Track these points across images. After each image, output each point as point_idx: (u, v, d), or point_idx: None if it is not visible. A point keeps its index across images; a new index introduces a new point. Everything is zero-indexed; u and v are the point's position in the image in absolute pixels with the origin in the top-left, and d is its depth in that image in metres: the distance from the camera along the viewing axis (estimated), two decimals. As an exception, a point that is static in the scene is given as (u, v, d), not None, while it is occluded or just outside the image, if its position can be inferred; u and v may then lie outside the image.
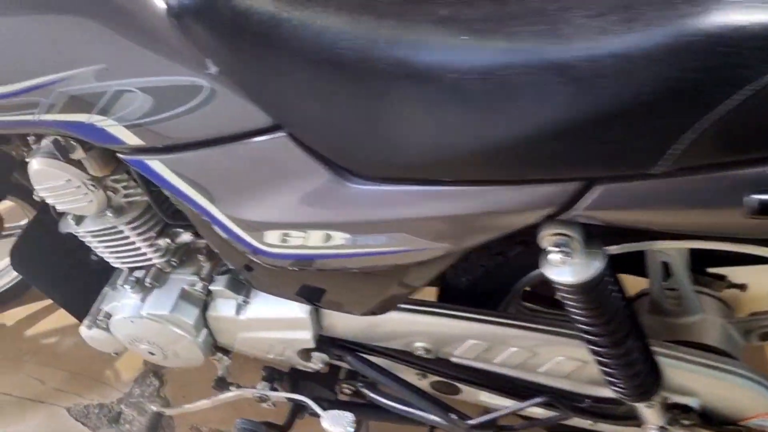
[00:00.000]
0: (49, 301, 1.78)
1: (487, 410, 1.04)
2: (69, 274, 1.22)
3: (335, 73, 0.62)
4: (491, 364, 0.99)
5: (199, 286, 1.03)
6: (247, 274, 0.90)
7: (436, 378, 1.05)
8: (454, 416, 0.99)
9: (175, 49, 0.67)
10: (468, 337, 0.95)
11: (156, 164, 0.76)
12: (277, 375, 1.15)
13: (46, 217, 1.18)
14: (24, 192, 1.20)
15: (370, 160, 0.66)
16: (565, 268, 0.68)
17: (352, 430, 0.98)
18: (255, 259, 0.82)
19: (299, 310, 0.98)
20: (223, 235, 0.80)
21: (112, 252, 1.06)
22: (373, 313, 0.87)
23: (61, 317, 1.74)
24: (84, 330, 1.13)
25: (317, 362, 1.06)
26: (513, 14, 0.57)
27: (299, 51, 0.62)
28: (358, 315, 0.88)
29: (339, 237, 0.73)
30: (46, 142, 0.94)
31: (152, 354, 1.10)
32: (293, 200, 0.72)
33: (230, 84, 0.68)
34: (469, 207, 0.65)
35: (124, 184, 0.96)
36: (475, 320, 0.93)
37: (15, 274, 1.72)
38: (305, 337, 1.00)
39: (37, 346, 1.69)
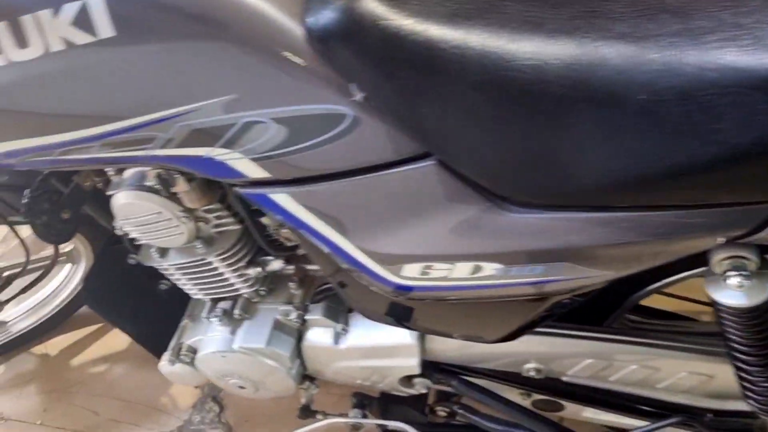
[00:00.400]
0: (91, 328, 1.72)
1: (594, 427, 1.01)
2: (139, 306, 1.16)
3: (501, 97, 0.58)
4: (606, 382, 0.95)
5: (294, 315, 0.98)
6: (368, 306, 0.85)
7: (541, 396, 1.02)
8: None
9: (315, 76, 0.62)
10: (586, 357, 0.91)
11: (281, 197, 0.71)
12: (367, 401, 1.11)
13: (111, 249, 1.13)
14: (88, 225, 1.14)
15: (534, 187, 0.62)
16: (740, 291, 0.65)
17: (464, 456, 0.94)
18: (379, 291, 0.77)
19: (406, 336, 0.94)
20: (349, 267, 0.76)
21: (196, 284, 1.01)
22: (506, 339, 0.83)
23: (107, 344, 1.68)
24: (165, 366, 1.07)
25: (420, 388, 1.02)
26: (705, 28, 0.53)
27: (459, 74, 0.58)
28: (489, 342, 0.84)
29: (490, 268, 0.68)
30: (130, 173, 0.89)
31: (242, 388, 1.05)
32: (441, 231, 0.67)
33: (376, 111, 0.63)
34: (644, 233, 0.61)
35: (217, 214, 0.90)
36: (594, 339, 0.90)
37: (46, 310, 1.65)
38: (411, 363, 0.96)
39: (86, 376, 1.63)
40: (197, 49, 0.62)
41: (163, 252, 0.97)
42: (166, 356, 1.07)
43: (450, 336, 0.87)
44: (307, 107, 0.64)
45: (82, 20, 0.61)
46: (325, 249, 0.75)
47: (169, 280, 1.04)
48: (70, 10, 0.61)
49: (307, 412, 1.14)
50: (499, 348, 0.93)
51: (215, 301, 1.04)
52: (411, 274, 0.72)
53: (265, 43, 0.62)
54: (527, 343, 0.91)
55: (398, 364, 0.97)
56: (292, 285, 1.00)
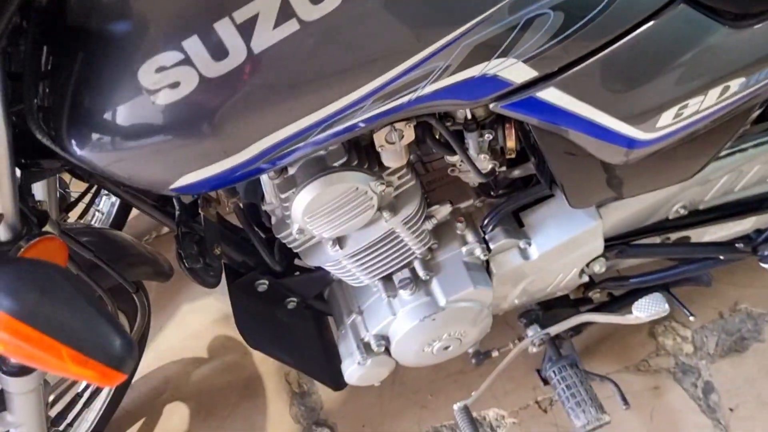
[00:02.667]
0: None
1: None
2: (283, 332, 1.05)
3: None
4: (731, 194, 1.09)
5: (479, 251, 0.97)
6: (591, 190, 0.88)
7: (676, 235, 1.13)
8: (740, 245, 1.08)
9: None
10: (723, 175, 1.04)
11: (547, 93, 0.72)
12: (533, 315, 1.13)
13: (239, 283, 1.01)
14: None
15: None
16: None
17: (667, 305, 1.02)
18: (630, 157, 0.81)
19: (588, 221, 0.98)
20: (598, 141, 0.78)
21: (370, 265, 0.95)
22: (698, 173, 0.92)
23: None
24: (356, 370, 1.00)
25: (600, 268, 1.07)
26: None
27: None
28: (687, 180, 0.91)
29: (736, 84, 0.76)
30: (296, 170, 0.82)
31: (446, 348, 1.02)
32: (695, 67, 0.74)
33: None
34: None
35: (401, 173, 0.87)
36: (731, 154, 1.02)
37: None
38: (597, 244, 1.01)
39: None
40: None
41: (340, 242, 0.90)
42: (355, 359, 0.99)
43: (657, 188, 0.93)
44: (582, -17, 0.65)
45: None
46: (580, 134, 0.77)
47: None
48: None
49: (481, 356, 1.14)
50: (658, 198, 1.02)
51: (386, 279, 0.98)
52: (665, 122, 0.78)
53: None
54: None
55: (586, 251, 1.01)
56: (459, 226, 0.99)
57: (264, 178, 0.86)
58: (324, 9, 0.57)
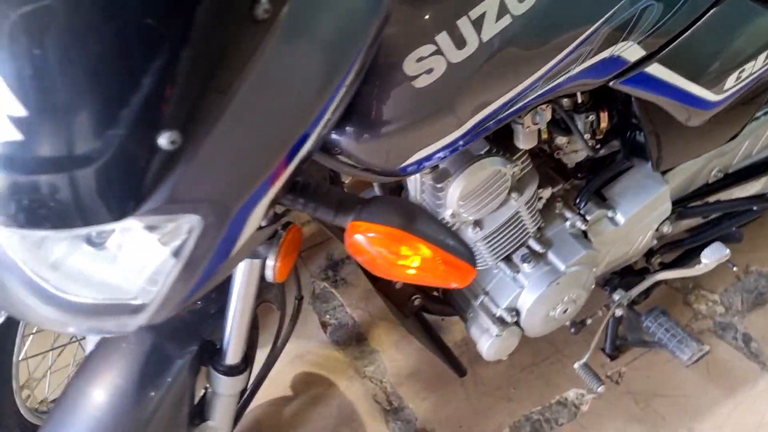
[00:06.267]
0: None
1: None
2: (417, 327, 1.18)
3: None
4: (751, 157, 1.34)
5: (579, 222, 1.15)
6: (679, 149, 1.09)
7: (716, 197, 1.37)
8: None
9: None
10: (745, 139, 1.28)
11: (653, 68, 0.93)
12: (615, 280, 1.32)
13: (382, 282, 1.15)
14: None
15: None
16: None
17: (727, 250, 1.23)
18: (703, 118, 1.03)
19: (658, 187, 1.19)
20: (683, 106, 1.00)
21: (496, 246, 1.11)
22: (735, 137, 1.15)
23: None
24: (494, 343, 1.14)
25: (668, 229, 1.27)
26: None
27: None
28: (731, 140, 1.14)
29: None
30: (448, 161, 0.98)
31: (565, 311, 1.17)
32: (750, 38, 0.98)
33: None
34: None
35: (524, 157, 1.05)
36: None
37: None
38: (666, 206, 1.22)
39: None
40: None
41: (479, 224, 1.06)
42: (493, 333, 1.13)
43: (713, 149, 1.16)
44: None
45: None
46: (672, 101, 0.99)
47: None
48: None
49: (578, 324, 1.30)
50: (700, 164, 1.25)
51: (506, 259, 1.14)
52: (730, 84, 1.01)
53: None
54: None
55: (658, 213, 1.22)
56: (558, 205, 1.17)
57: (414, 177, 1.01)
58: (527, 5, 0.76)
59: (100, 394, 0.85)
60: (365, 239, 0.59)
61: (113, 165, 0.46)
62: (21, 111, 0.43)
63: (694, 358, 1.19)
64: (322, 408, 1.61)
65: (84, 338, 1.41)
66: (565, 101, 1.03)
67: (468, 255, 0.60)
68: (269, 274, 0.78)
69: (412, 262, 0.58)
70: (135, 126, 0.45)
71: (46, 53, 0.43)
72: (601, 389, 1.20)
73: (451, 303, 1.24)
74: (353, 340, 1.72)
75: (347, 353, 1.69)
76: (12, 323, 1.12)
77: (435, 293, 1.25)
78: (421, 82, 0.73)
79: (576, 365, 1.23)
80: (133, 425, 0.83)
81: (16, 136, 0.44)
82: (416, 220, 0.59)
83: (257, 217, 0.58)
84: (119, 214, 0.48)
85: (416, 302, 1.20)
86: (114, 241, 0.55)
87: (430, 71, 0.73)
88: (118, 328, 0.57)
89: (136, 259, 0.54)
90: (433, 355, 1.39)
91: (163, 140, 0.46)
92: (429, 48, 0.72)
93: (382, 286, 1.14)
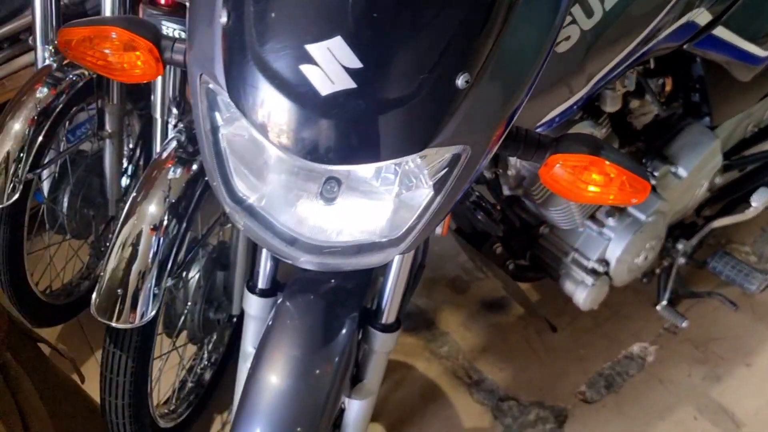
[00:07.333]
0: None
1: None
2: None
3: None
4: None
5: (650, 179, 1.30)
6: (732, 101, 1.25)
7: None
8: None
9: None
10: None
11: (719, 30, 1.09)
12: (675, 234, 1.47)
13: (487, 246, 1.27)
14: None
15: None
16: None
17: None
18: (753, 74, 1.19)
19: (712, 141, 1.34)
20: (740, 63, 1.16)
21: (585, 206, 1.24)
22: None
23: None
24: (589, 291, 1.27)
25: (720, 180, 1.42)
26: None
27: None
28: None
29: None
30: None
31: (645, 258, 1.31)
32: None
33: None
34: None
35: (604, 120, 1.19)
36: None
37: None
38: (718, 159, 1.37)
39: None
40: None
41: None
42: (588, 283, 1.26)
43: (756, 102, 1.32)
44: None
45: None
46: (731, 60, 1.14)
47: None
48: None
49: (650, 275, 1.44)
50: (740, 118, 1.42)
51: (591, 217, 1.28)
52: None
53: None
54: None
55: (712, 165, 1.37)
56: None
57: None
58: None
59: (285, 372, 0.89)
60: (562, 168, 0.72)
61: (423, 104, 0.57)
62: (357, 63, 0.55)
63: (761, 287, 1.34)
64: (407, 389, 1.70)
65: (185, 345, 1.47)
66: (638, 68, 1.18)
67: (643, 173, 0.73)
68: (438, 229, 0.90)
69: (602, 182, 0.71)
70: (443, 69, 0.57)
71: (381, 16, 0.54)
72: (685, 324, 1.34)
73: (538, 267, 1.37)
74: (422, 326, 1.83)
75: (420, 337, 1.79)
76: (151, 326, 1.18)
77: (523, 262, 1.38)
78: (562, 48, 0.87)
79: (658, 307, 1.37)
80: (323, 395, 0.90)
81: (351, 84, 0.55)
82: (602, 148, 0.71)
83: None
84: (420, 145, 0.59)
85: (510, 267, 1.32)
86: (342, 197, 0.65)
87: (567, 38, 0.87)
88: (381, 259, 0.68)
89: (405, 199, 0.65)
90: (501, 329, 1.51)
91: (460, 80, 0.57)
92: (568, 18, 0.86)
93: (486, 250, 1.26)
